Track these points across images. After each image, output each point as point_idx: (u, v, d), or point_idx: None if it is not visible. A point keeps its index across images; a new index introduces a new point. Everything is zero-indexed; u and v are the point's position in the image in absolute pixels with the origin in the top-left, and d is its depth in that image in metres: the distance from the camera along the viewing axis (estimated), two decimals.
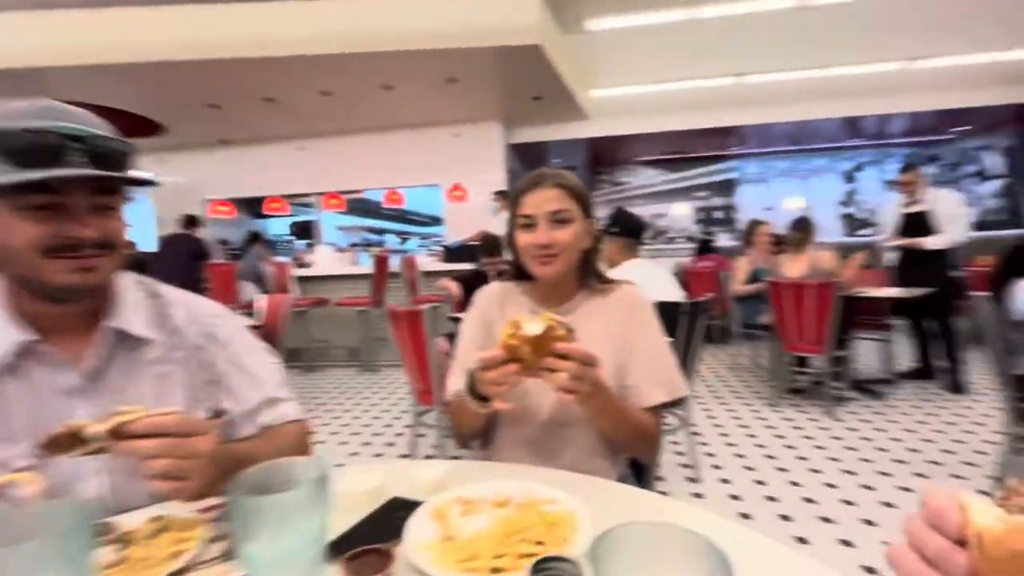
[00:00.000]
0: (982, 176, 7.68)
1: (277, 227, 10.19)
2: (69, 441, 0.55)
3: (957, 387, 3.42)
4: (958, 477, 2.27)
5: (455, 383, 0.96)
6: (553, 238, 0.92)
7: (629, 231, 2.22)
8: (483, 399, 0.81)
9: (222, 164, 6.92)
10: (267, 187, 7.01)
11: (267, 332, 3.30)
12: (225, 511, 0.68)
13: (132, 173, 0.70)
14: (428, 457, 2.77)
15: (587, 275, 1.01)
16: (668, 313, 1.95)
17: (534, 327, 0.71)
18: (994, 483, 1.97)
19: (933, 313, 3.55)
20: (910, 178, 3.57)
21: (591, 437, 0.95)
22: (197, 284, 4.49)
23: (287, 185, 7.01)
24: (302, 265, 5.75)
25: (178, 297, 0.84)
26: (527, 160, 7.67)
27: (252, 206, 9.03)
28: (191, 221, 5.06)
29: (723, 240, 8.03)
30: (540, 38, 4.17)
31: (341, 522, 0.65)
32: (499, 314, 1.03)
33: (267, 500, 0.43)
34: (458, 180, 6.21)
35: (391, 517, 0.67)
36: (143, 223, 6.80)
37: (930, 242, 3.49)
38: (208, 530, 0.63)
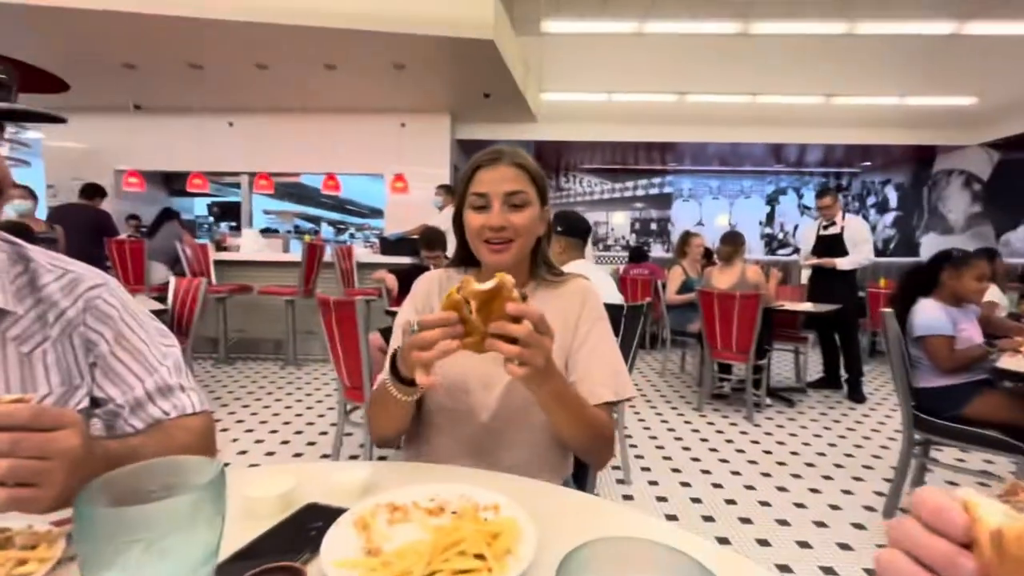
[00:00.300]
0: (882, 208, 8.55)
1: (195, 206, 9.40)
2: None
3: (857, 396, 3.74)
4: (858, 479, 2.45)
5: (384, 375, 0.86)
6: (508, 220, 0.85)
7: (574, 231, 2.20)
8: (409, 383, 0.72)
9: (135, 132, 6.25)
10: (188, 162, 6.40)
11: (178, 317, 3.00)
12: (63, 530, 0.55)
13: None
14: (352, 458, 2.62)
15: (538, 265, 0.95)
16: (611, 315, 1.96)
17: (485, 284, 0.63)
18: (890, 484, 2.14)
19: (839, 327, 3.89)
20: (827, 202, 3.88)
21: (536, 439, 0.89)
22: (98, 262, 3.99)
23: (212, 162, 6.45)
24: (223, 248, 5.31)
25: (50, 262, 0.70)
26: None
27: (168, 182, 8.26)
28: (94, 191, 4.50)
29: (657, 251, 8.42)
30: (494, 34, 4.11)
31: (243, 533, 0.55)
32: (439, 302, 0.95)
33: (132, 511, 0.33)
34: (401, 171, 6.00)
35: (305, 527, 0.57)
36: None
37: (842, 262, 3.81)
38: (63, 547, 0.51)
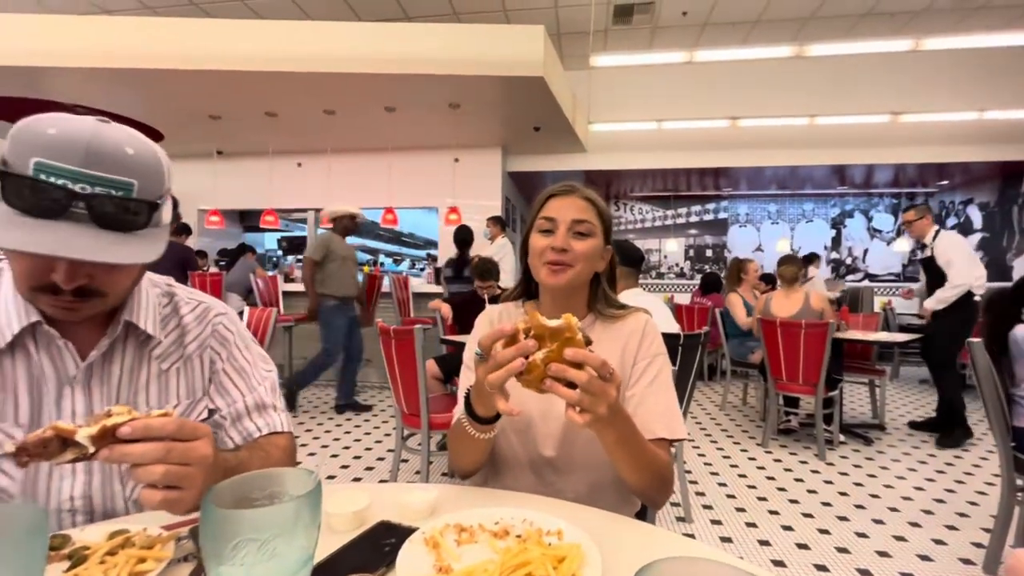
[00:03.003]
0: (964, 230, 7.90)
1: (266, 241, 10.10)
2: (52, 445, 0.49)
3: (945, 438, 3.32)
4: (952, 528, 2.22)
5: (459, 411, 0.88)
6: (570, 245, 0.87)
7: (628, 261, 2.20)
8: (484, 421, 0.74)
9: (217, 175, 6.88)
10: (261, 200, 6.94)
11: None
12: (196, 527, 0.62)
13: (125, 256, 0.62)
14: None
15: (597, 299, 0.96)
16: (668, 344, 1.92)
17: (552, 321, 0.62)
18: (990, 534, 1.92)
19: (929, 360, 3.50)
20: (910, 216, 3.47)
21: (597, 475, 0.89)
22: None
23: (282, 200, 6.96)
24: (291, 280, 5.66)
25: (189, 296, 0.84)
26: (524, 188, 7.74)
27: (243, 219, 8.96)
28: (181, 229, 4.98)
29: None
30: (543, 70, 4.26)
31: (323, 546, 0.59)
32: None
33: (249, 514, 0.38)
34: (455, 204, 6.22)
35: (379, 543, 0.61)
36: None
37: (929, 304, 3.38)
38: (175, 549, 0.57)
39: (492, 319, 1.01)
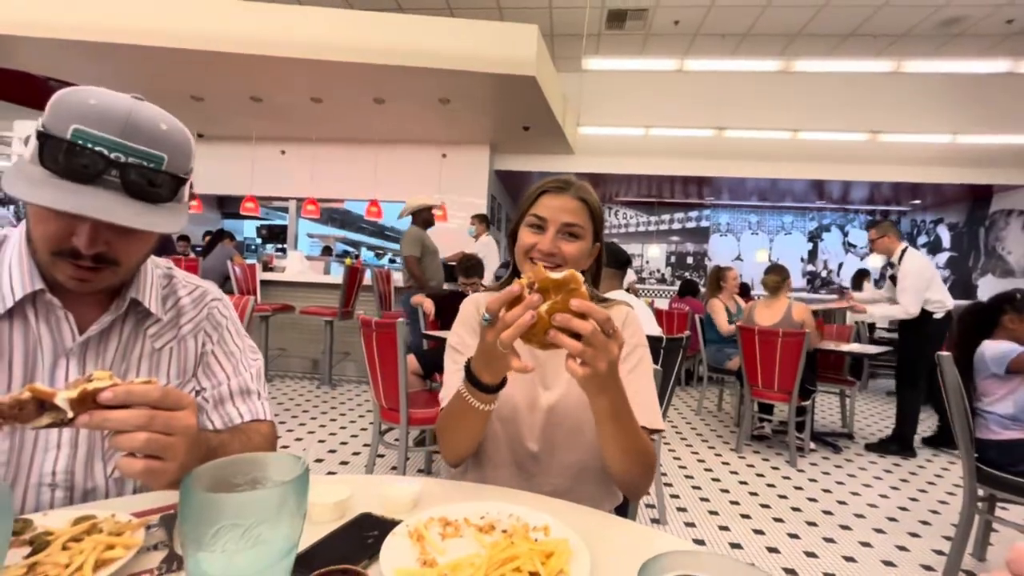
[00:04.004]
0: (934, 248, 8.19)
1: (246, 228, 9.88)
2: (29, 408, 0.47)
3: (883, 445, 3.41)
4: (915, 535, 2.29)
5: (451, 389, 0.85)
6: (559, 248, 0.86)
7: (614, 263, 2.21)
8: (487, 390, 0.72)
9: (198, 159, 6.62)
10: (242, 186, 6.79)
11: None
12: (168, 515, 0.59)
13: (152, 224, 0.63)
14: None
15: None
16: (650, 347, 1.94)
17: (556, 273, 0.62)
18: (950, 542, 1.98)
19: (898, 374, 3.55)
20: (873, 235, 3.49)
21: (579, 470, 0.89)
22: None
23: (264, 187, 6.81)
24: (270, 269, 5.55)
25: (187, 279, 0.84)
26: (510, 187, 7.74)
27: (221, 204, 8.74)
28: None
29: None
30: (535, 70, 4.26)
31: (303, 536, 0.57)
32: None
33: (234, 499, 0.36)
34: (440, 200, 6.18)
35: (362, 534, 0.59)
36: None
37: (873, 311, 3.42)
38: (145, 536, 0.54)
39: (478, 305, 0.99)
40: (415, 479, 0.75)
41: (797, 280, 8.37)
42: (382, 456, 2.87)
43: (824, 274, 8.57)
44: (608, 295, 2.16)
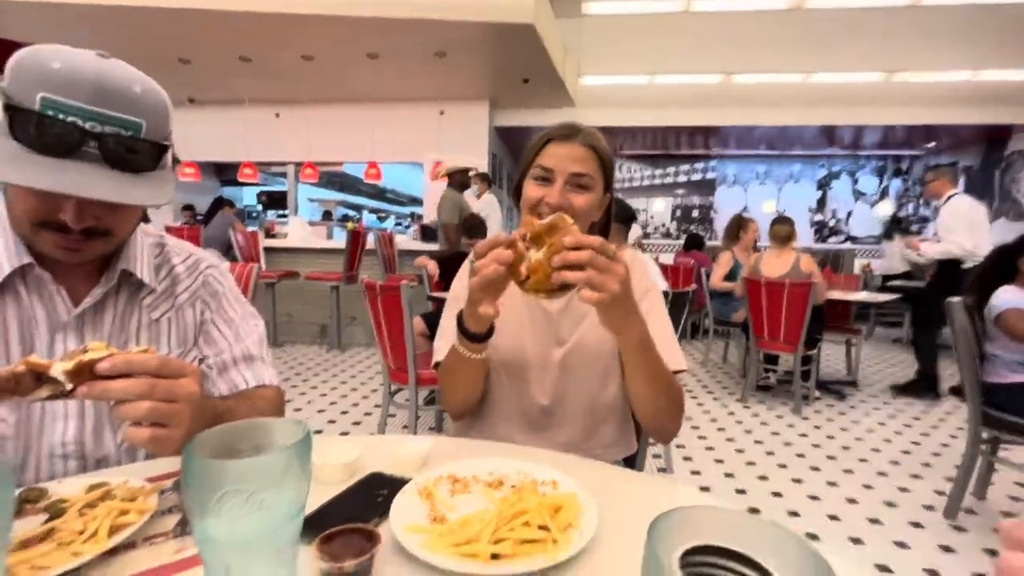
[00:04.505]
0: None
1: (246, 195, 9.79)
2: (25, 380, 0.47)
3: (907, 388, 3.52)
4: (917, 477, 2.34)
5: (444, 344, 0.87)
6: (568, 200, 0.82)
7: (620, 217, 2.17)
8: (477, 339, 0.74)
9: (191, 124, 6.54)
10: (239, 152, 6.67)
11: None
12: (180, 479, 0.60)
13: (138, 198, 0.61)
14: None
15: None
16: None
17: (543, 220, 0.63)
18: (952, 483, 2.02)
19: (914, 320, 3.62)
20: (929, 177, 3.49)
21: (590, 420, 0.90)
22: None
23: (261, 152, 6.69)
24: (272, 235, 5.52)
25: (180, 247, 0.82)
26: (511, 144, 7.56)
27: (219, 171, 8.62)
28: None
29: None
30: (533, 17, 4.06)
31: (313, 496, 0.58)
32: None
33: (233, 465, 0.35)
34: (440, 159, 6.05)
35: (372, 494, 0.60)
36: None
37: (926, 249, 3.47)
38: (158, 501, 0.55)
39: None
40: (424, 438, 0.76)
41: (805, 230, 8.25)
42: (393, 416, 2.94)
43: (832, 223, 8.43)
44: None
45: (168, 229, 4.46)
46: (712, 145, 8.12)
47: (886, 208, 7.91)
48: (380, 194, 12.23)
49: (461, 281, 0.97)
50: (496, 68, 5.27)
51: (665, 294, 1.88)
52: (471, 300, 0.70)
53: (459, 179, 4.10)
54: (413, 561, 0.47)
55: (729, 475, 2.33)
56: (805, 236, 8.19)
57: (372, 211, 12.40)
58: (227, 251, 4.83)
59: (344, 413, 3.02)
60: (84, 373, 0.48)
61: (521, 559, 0.47)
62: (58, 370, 0.47)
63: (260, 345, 0.83)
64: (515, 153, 7.88)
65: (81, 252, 0.64)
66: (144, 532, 0.51)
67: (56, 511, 0.52)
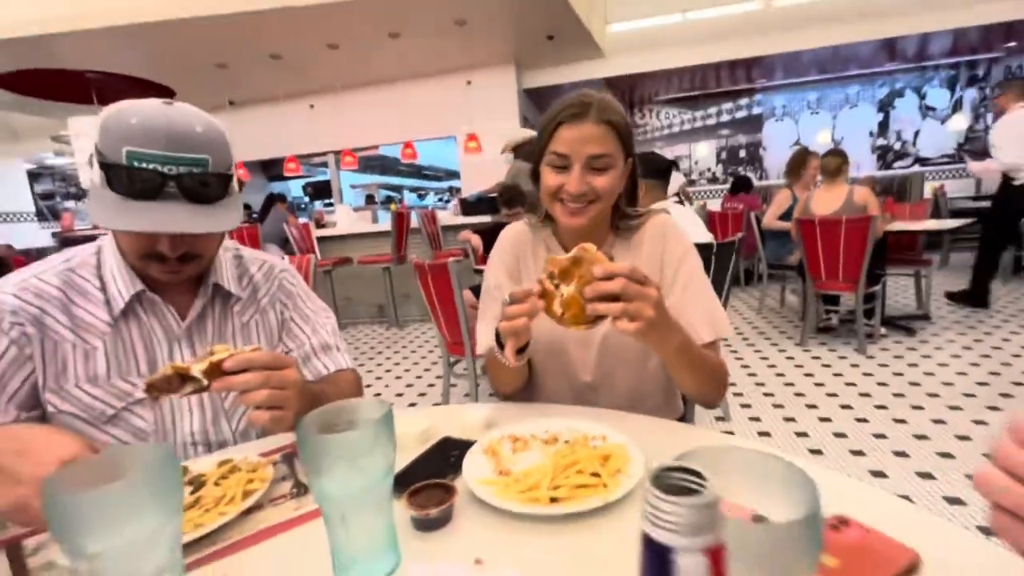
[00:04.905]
0: None
1: (293, 188, 10.18)
2: (174, 381, 0.60)
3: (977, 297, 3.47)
4: (994, 408, 2.25)
5: (485, 336, 0.90)
6: (588, 184, 0.81)
7: (654, 172, 2.14)
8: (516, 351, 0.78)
9: (233, 126, 6.76)
10: (280, 148, 6.94)
11: None
12: (287, 452, 0.72)
13: (216, 225, 0.74)
14: None
15: (619, 217, 0.93)
16: (701, 256, 1.92)
17: (567, 255, 0.67)
18: None
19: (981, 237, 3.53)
20: (997, 92, 3.42)
21: (634, 391, 0.92)
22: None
23: (300, 145, 6.93)
24: (322, 225, 5.78)
25: (253, 256, 0.95)
26: (542, 105, 7.40)
27: (266, 168, 8.99)
28: None
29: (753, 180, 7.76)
30: None
31: (397, 460, 0.68)
32: (526, 254, 0.96)
33: (337, 438, 0.44)
34: (472, 131, 6.05)
35: (445, 455, 0.69)
36: None
37: (972, 166, 3.34)
38: (273, 471, 0.67)
39: (516, 238, 0.99)
40: (485, 405, 0.85)
41: (866, 157, 7.64)
42: (454, 386, 3.11)
43: (898, 146, 7.76)
44: (652, 208, 2.13)
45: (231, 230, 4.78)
46: (756, 78, 7.59)
47: (960, 122, 7.18)
48: (418, 172, 12.39)
49: (492, 270, 0.98)
50: (519, 29, 5.14)
51: (708, 247, 1.87)
52: (504, 333, 0.73)
53: (526, 149, 4.12)
54: (485, 507, 0.56)
55: (789, 419, 2.33)
56: (867, 164, 7.61)
57: (412, 190, 12.60)
58: (284, 244, 5.12)
59: (409, 386, 3.23)
60: (215, 371, 0.60)
61: (576, 501, 0.54)
62: (197, 370, 0.59)
63: (334, 335, 0.95)
64: None
65: (180, 274, 0.78)
66: (268, 496, 0.63)
67: (198, 483, 0.65)
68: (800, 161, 3.87)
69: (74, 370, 0.75)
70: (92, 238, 0.84)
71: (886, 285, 3.36)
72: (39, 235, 7.49)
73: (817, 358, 3.05)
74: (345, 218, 5.46)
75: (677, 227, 0.93)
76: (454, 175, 6.95)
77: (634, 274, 0.63)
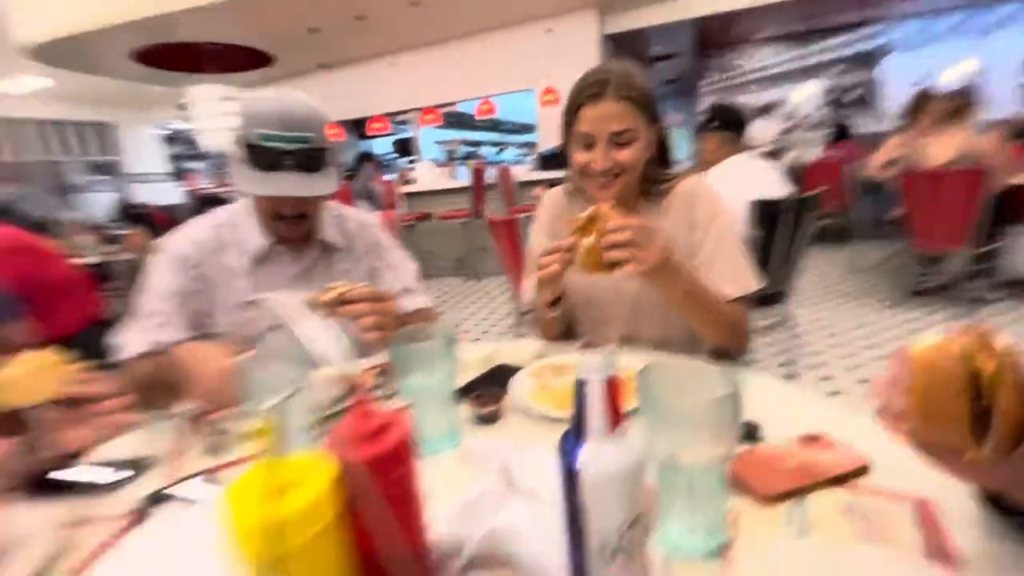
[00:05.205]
0: None
1: (381, 146, 10.65)
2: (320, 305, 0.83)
3: None
4: None
5: (529, 290, 1.01)
6: (613, 159, 0.88)
7: (729, 125, 2.09)
8: (550, 303, 0.94)
9: (324, 88, 7.26)
10: (366, 107, 7.29)
11: None
12: (383, 367, 0.93)
13: (323, 188, 0.94)
14: None
15: (648, 183, 0.98)
16: (767, 211, 1.89)
17: (581, 215, 0.79)
18: None
19: None
20: None
21: (668, 340, 0.98)
22: None
23: (384, 103, 7.23)
24: (407, 182, 6.12)
25: (349, 213, 1.14)
26: (625, 51, 7.05)
27: (356, 127, 9.50)
28: None
29: (859, 126, 6.95)
30: None
31: (462, 378, 0.86)
32: (561, 219, 1.05)
33: (417, 347, 0.62)
34: (550, 83, 5.97)
35: (499, 376, 0.86)
36: None
37: None
38: (375, 378, 0.88)
39: (554, 202, 1.12)
40: (537, 341, 1.00)
41: (1013, 94, 6.51)
42: (524, 335, 3.31)
43: None
44: (728, 161, 2.09)
45: None
46: (875, 4, 6.64)
47: None
48: (495, 126, 12.39)
49: (535, 234, 1.11)
50: None
51: (773, 204, 1.84)
52: (540, 282, 0.88)
53: None
54: (527, 411, 0.72)
55: (864, 380, 2.27)
56: (1012, 103, 6.49)
57: (492, 144, 12.66)
58: (371, 199, 5.52)
59: (485, 333, 3.49)
60: (335, 302, 0.81)
61: None
62: (327, 299, 0.81)
63: (414, 279, 1.15)
64: (633, 61, 7.35)
65: (298, 229, 0.99)
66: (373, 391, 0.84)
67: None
68: (920, 104, 3.41)
69: (224, 302, 1.01)
70: (217, 196, 1.11)
71: (1007, 246, 3.01)
72: (173, 193, 8.64)
73: (908, 322, 2.86)
74: (426, 174, 5.74)
75: (708, 188, 0.98)
76: (530, 128, 6.93)
77: (641, 227, 0.75)
